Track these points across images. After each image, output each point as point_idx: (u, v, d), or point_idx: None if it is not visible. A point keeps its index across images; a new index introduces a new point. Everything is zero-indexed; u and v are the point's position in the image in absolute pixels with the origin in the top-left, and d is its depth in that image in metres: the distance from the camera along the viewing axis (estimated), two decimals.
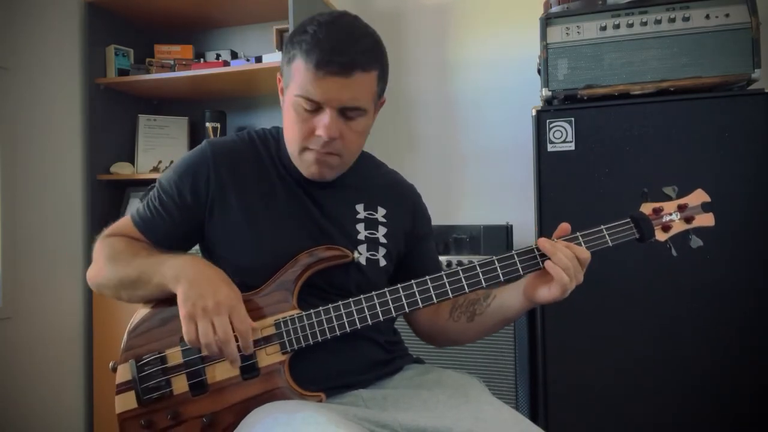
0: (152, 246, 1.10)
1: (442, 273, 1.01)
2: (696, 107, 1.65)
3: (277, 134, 1.15)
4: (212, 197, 1.07)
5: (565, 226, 1.02)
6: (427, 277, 1.01)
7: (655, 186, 1.09)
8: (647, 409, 1.65)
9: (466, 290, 1.01)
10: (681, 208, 1.07)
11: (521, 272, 1.01)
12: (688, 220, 1.07)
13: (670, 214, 1.07)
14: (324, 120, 0.98)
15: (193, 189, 1.07)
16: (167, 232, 1.09)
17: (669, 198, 1.08)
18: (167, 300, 1.01)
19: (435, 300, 1.00)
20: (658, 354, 1.65)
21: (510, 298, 1.06)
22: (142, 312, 1.07)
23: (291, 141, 1.05)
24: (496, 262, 1.01)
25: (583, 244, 1.01)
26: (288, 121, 1.04)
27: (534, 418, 1.81)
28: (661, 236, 1.06)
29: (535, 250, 1.01)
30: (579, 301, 1.69)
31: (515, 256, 1.01)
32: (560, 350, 1.73)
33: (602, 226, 1.03)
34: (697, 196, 1.08)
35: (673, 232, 1.07)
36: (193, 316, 0.94)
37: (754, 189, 1.59)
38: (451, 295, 1.01)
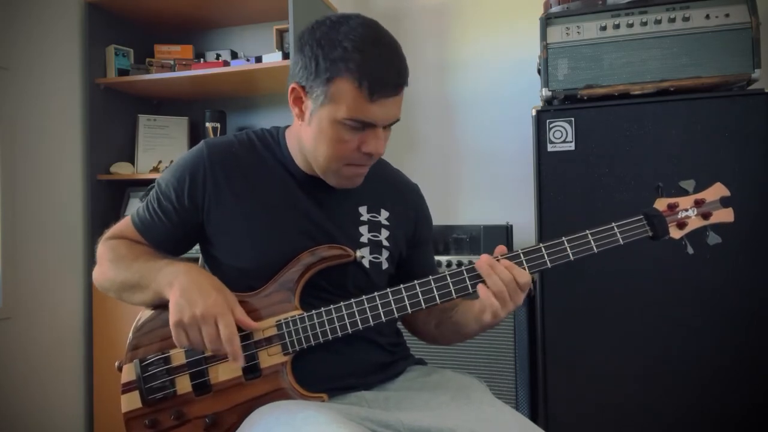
0: (153, 249, 1.10)
1: (430, 278, 1.00)
2: (696, 107, 1.65)
3: (276, 134, 1.13)
4: (209, 198, 1.06)
5: (501, 248, 1.01)
6: (431, 278, 1.01)
7: (667, 183, 1.05)
8: (648, 409, 1.66)
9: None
10: (698, 204, 1.02)
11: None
12: (705, 216, 1.02)
13: (686, 210, 1.02)
14: (375, 138, 0.98)
15: (190, 191, 1.06)
16: (166, 235, 1.09)
17: (686, 192, 1.03)
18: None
19: (438, 301, 1.00)
20: (658, 354, 1.65)
21: (465, 315, 1.06)
22: (147, 311, 1.07)
23: (328, 157, 1.00)
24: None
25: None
26: (323, 139, 0.98)
27: (534, 418, 1.81)
28: (675, 234, 1.01)
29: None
30: (579, 301, 1.70)
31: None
32: (560, 350, 1.73)
33: (613, 224, 1.00)
34: (716, 191, 1.03)
35: (688, 229, 1.01)
36: (181, 323, 0.94)
37: (754, 189, 1.59)
38: (437, 301, 1.00)
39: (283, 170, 1.09)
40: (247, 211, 1.06)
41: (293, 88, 1.00)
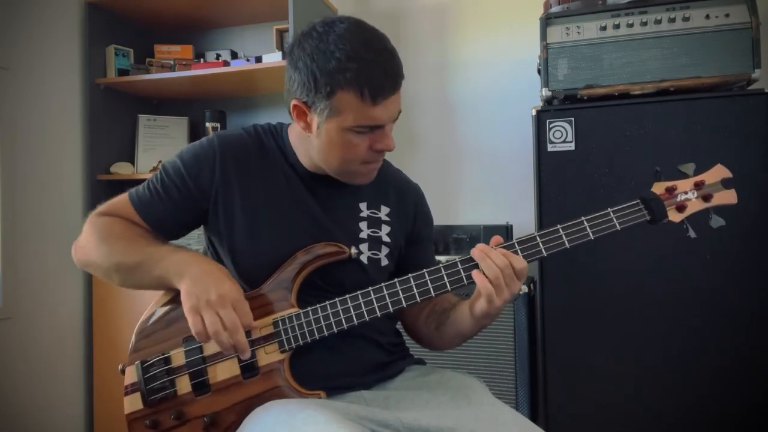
0: (147, 231, 1.08)
1: (424, 271, 1.01)
2: (696, 107, 1.64)
3: (280, 130, 1.14)
4: (216, 190, 1.06)
5: (496, 238, 1.00)
6: (425, 270, 1.01)
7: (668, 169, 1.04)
8: (648, 409, 1.65)
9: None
10: (698, 186, 1.00)
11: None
12: (706, 198, 1.00)
13: (686, 193, 1.00)
14: (386, 135, 1.00)
15: (198, 177, 1.06)
16: (166, 215, 1.08)
17: (685, 176, 1.02)
18: (172, 301, 1.02)
19: (433, 293, 1.00)
20: (658, 355, 1.65)
21: (462, 311, 1.06)
22: (149, 314, 1.07)
23: (344, 161, 1.02)
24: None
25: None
26: (335, 148, 1.00)
27: (534, 418, 1.81)
28: (675, 217, 1.00)
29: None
30: (579, 301, 1.70)
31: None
32: (560, 350, 1.73)
33: (609, 209, 1.00)
34: (717, 172, 1.01)
35: (689, 211, 1.00)
36: (197, 309, 0.94)
37: (754, 189, 1.59)
38: (432, 294, 1.00)
39: (288, 166, 1.11)
40: (252, 206, 1.07)
41: (295, 105, 1.01)
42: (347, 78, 0.93)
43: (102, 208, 1.11)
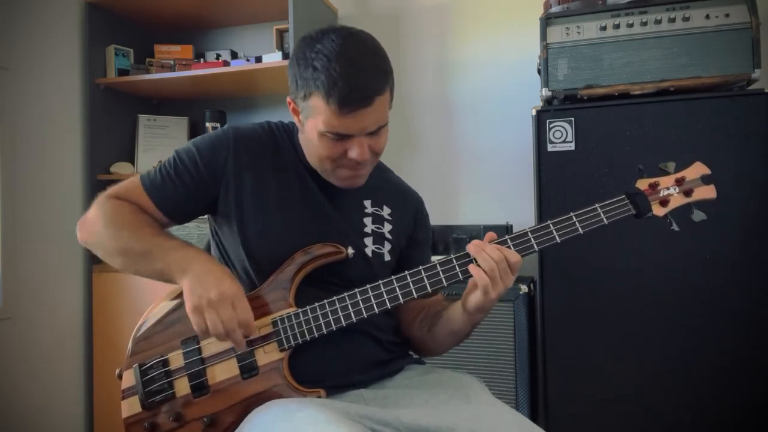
0: (154, 219, 1.09)
1: (420, 268, 1.03)
2: (696, 107, 1.64)
3: (292, 128, 1.17)
4: (228, 177, 1.08)
5: (491, 234, 1.04)
6: (421, 267, 1.03)
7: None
8: (648, 409, 1.65)
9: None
10: (679, 182, 1.05)
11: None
12: (687, 193, 1.05)
13: (668, 188, 1.05)
14: (355, 147, 1.00)
15: (213, 164, 1.08)
16: (176, 200, 1.09)
17: (666, 173, 1.07)
18: (169, 304, 1.02)
19: (429, 289, 1.02)
20: (658, 354, 1.65)
21: (455, 309, 1.08)
22: (145, 318, 1.08)
23: (320, 160, 1.05)
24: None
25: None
26: (312, 146, 1.05)
27: (534, 418, 1.81)
28: (658, 211, 1.05)
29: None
30: (579, 301, 1.70)
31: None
32: (560, 350, 1.73)
33: (596, 205, 1.04)
34: (696, 170, 1.06)
35: (671, 206, 1.05)
36: (199, 308, 0.95)
37: (754, 189, 1.59)
38: (428, 290, 1.02)
39: (299, 161, 1.13)
40: (264, 197, 1.09)
41: (289, 102, 1.07)
42: (317, 85, 0.96)
43: (112, 190, 1.12)
